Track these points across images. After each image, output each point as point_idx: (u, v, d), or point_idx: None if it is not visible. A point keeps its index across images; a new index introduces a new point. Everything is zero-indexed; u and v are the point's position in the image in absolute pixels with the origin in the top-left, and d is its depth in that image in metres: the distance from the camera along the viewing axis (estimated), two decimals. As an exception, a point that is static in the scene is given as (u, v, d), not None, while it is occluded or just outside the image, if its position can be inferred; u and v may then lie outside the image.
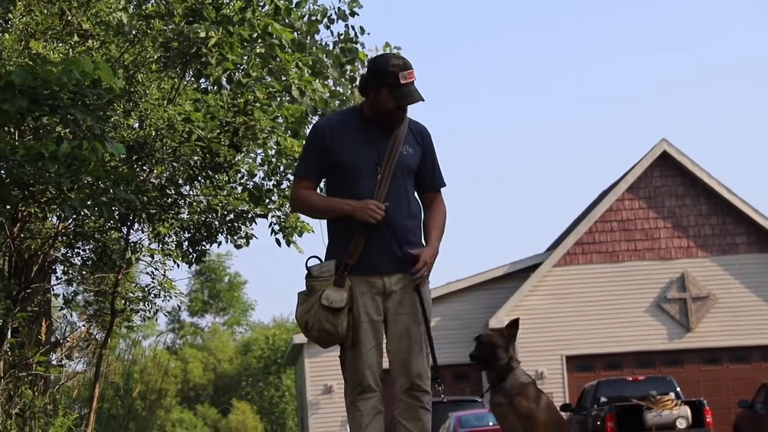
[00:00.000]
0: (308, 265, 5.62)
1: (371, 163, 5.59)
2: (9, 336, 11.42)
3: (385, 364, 5.57)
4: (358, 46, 15.07)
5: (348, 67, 14.95)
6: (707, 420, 20.50)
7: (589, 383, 24.17)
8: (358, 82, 15.53)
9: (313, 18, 14.65)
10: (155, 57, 11.43)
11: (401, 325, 5.61)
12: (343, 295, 5.49)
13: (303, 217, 12.62)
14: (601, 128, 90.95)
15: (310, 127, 6.13)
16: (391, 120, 5.59)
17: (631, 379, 23.24)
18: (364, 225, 5.50)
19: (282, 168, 12.19)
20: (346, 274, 5.53)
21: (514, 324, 6.38)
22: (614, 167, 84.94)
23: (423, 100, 5.55)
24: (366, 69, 5.78)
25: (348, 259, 5.54)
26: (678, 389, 22.02)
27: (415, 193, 5.76)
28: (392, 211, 5.54)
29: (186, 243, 12.42)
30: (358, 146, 5.61)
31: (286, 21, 12.41)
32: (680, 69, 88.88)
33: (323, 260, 5.64)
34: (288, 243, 12.38)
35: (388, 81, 5.53)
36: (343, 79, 14.66)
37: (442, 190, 5.87)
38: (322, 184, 6.04)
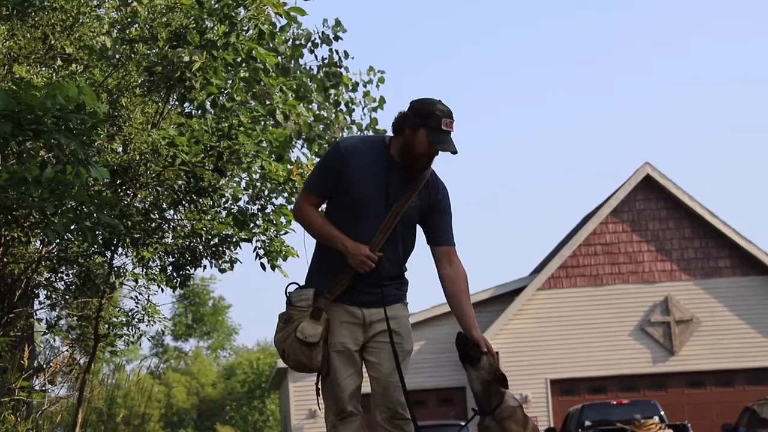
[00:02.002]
0: (288, 291, 5.60)
1: (379, 206, 5.52)
2: (-8, 361, 11.36)
3: (365, 389, 5.54)
4: (342, 70, 15.11)
5: (332, 91, 14.98)
6: (692, 443, 20.50)
7: (573, 407, 24.15)
8: (347, 104, 15.58)
9: (298, 42, 14.68)
10: (139, 81, 11.42)
11: (381, 355, 5.58)
12: (318, 330, 5.46)
13: (288, 242, 12.61)
14: (585, 152, 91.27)
15: (333, 143, 6.05)
16: (417, 163, 5.49)
17: (615, 402, 23.23)
18: (353, 270, 5.48)
19: (266, 192, 12.17)
20: (323, 308, 5.49)
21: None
22: (598, 191, 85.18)
23: (456, 152, 5.46)
24: (409, 107, 5.57)
25: (328, 294, 5.51)
26: (662, 413, 22.01)
27: (412, 239, 5.68)
28: (384, 262, 5.51)
29: (170, 267, 12.39)
30: (373, 183, 5.51)
31: (270, 45, 12.41)
32: (662, 91, 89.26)
33: (304, 284, 5.62)
34: (273, 267, 12.35)
35: (430, 123, 5.42)
36: (327, 103, 14.67)
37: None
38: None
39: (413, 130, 5.45)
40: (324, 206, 5.78)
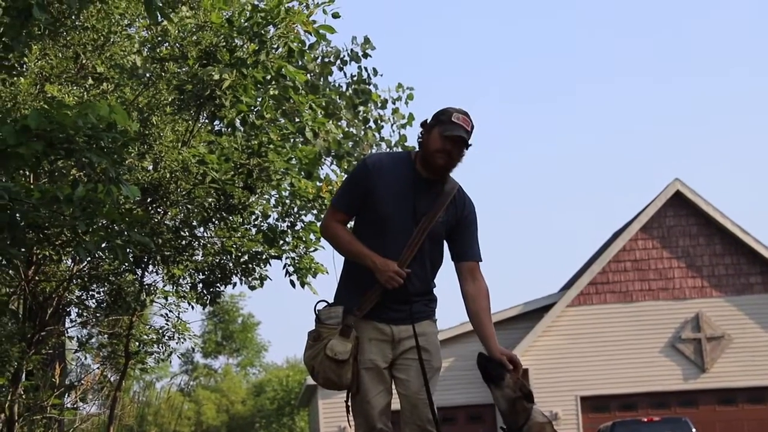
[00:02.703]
0: (317, 309, 5.59)
1: (407, 222, 5.51)
2: (24, 379, 11.41)
3: (395, 406, 5.54)
4: (371, 87, 15.13)
5: (361, 108, 15.00)
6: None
7: (604, 424, 24.02)
8: (377, 121, 15.55)
9: (327, 60, 14.71)
10: (169, 99, 11.47)
11: (409, 372, 5.57)
12: (348, 347, 5.44)
13: (317, 258, 12.61)
14: (615, 168, 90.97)
15: (360, 160, 6.07)
16: (433, 161, 5.47)
17: (646, 420, 23.09)
18: (381, 287, 5.47)
19: (296, 209, 12.19)
20: (352, 325, 5.48)
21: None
22: (628, 207, 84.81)
23: (467, 139, 5.46)
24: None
25: (357, 310, 5.50)
26: (693, 430, 21.86)
27: (440, 255, 5.67)
28: (412, 278, 5.49)
29: (200, 285, 12.43)
30: (400, 198, 5.51)
31: (300, 63, 12.45)
32: (691, 106, 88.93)
33: (333, 302, 5.62)
34: (302, 284, 12.36)
35: (442, 118, 5.48)
36: (356, 120, 14.69)
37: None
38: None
39: (429, 133, 5.50)
40: (351, 223, 5.79)
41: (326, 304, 5.62)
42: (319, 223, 11.73)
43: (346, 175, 12.98)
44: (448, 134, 5.43)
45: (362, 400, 5.53)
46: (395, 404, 5.50)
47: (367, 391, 5.51)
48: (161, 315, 12.82)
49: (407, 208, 5.51)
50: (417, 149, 5.62)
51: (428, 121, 5.55)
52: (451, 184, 5.62)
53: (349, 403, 5.59)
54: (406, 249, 5.49)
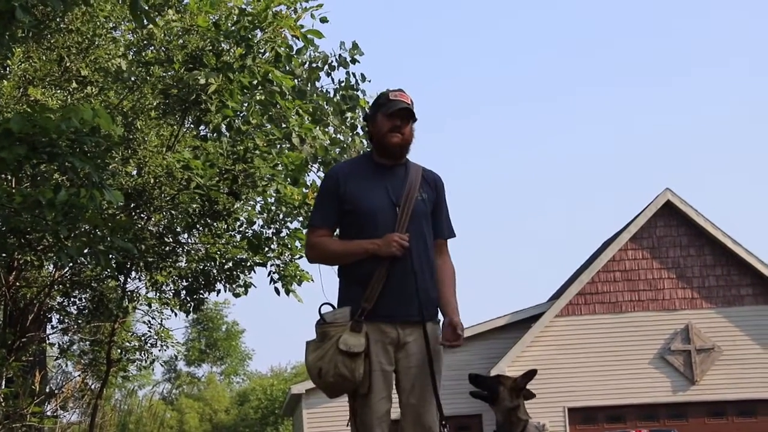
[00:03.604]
0: (321, 311, 5.48)
1: (388, 204, 5.52)
2: (3, 386, 11.26)
3: (395, 414, 5.41)
4: (359, 93, 14.98)
5: (349, 114, 14.85)
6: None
7: (591, 436, 23.93)
8: (364, 128, 15.47)
9: (314, 65, 14.54)
10: (154, 104, 11.35)
11: (414, 377, 5.50)
12: (361, 340, 5.36)
13: (303, 266, 12.48)
14: (605, 177, 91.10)
15: (323, 176, 6.08)
16: (388, 143, 5.54)
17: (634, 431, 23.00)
18: (386, 266, 5.40)
19: (281, 216, 12.08)
20: (362, 319, 5.39)
21: (529, 374, 6.21)
22: (617, 217, 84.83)
23: (411, 108, 5.54)
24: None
25: (365, 302, 5.40)
26: (682, 442, 21.79)
27: (433, 243, 5.65)
28: (414, 255, 5.45)
29: (184, 292, 12.30)
30: (373, 189, 5.54)
31: (287, 68, 12.32)
32: (682, 117, 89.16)
33: (336, 307, 5.51)
34: (287, 292, 12.25)
35: (380, 101, 5.60)
36: (343, 127, 14.53)
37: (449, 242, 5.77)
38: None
39: (374, 121, 5.60)
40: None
41: (330, 307, 5.52)
42: (305, 231, 11.59)
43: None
44: (392, 110, 5.51)
45: (365, 404, 5.43)
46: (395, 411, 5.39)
47: (372, 393, 5.42)
48: (144, 322, 12.71)
49: (382, 197, 5.53)
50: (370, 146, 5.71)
51: (368, 113, 5.68)
52: (414, 166, 5.68)
53: (354, 403, 5.46)
54: (397, 223, 5.47)
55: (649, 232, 29.91)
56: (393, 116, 5.52)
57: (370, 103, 5.80)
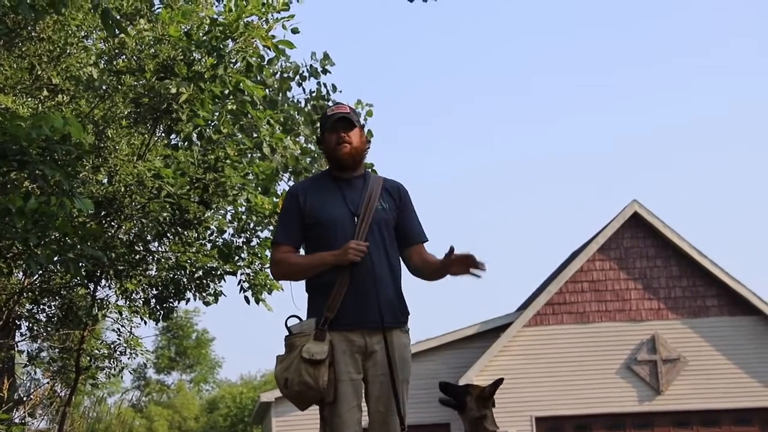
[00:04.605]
0: (288, 324, 5.54)
1: (348, 216, 5.57)
2: (-29, 393, 11.22)
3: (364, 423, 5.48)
4: (330, 103, 15.06)
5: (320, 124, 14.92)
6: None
7: (558, 445, 24.02)
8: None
9: (285, 75, 14.62)
10: (125, 112, 11.37)
11: (381, 386, 5.56)
12: (324, 348, 5.40)
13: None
14: (572, 188, 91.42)
15: (285, 192, 6.13)
16: (337, 155, 5.62)
17: (601, 441, 23.12)
18: (346, 275, 5.45)
19: (252, 225, 12.11)
20: (325, 328, 5.44)
21: (496, 383, 6.27)
22: (585, 228, 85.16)
23: (349, 117, 5.61)
24: None
25: (327, 311, 5.46)
26: (648, 452, 21.89)
27: (396, 251, 5.71)
28: (375, 265, 5.50)
29: (153, 300, 12.31)
30: (332, 202, 5.61)
31: (258, 78, 12.38)
32: (647, 128, 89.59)
33: (303, 319, 5.56)
34: (257, 301, 12.28)
35: (324, 121, 5.71)
36: (314, 137, 14.60)
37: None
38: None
39: (323, 140, 5.71)
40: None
41: (297, 319, 5.57)
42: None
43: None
44: (331, 122, 5.63)
45: (335, 414, 5.46)
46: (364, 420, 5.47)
47: (340, 403, 5.46)
48: (113, 330, 12.69)
49: (341, 208, 5.60)
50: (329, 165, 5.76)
51: (318, 135, 5.83)
52: (374, 177, 5.77)
53: (325, 414, 5.50)
54: (356, 233, 5.52)
55: (616, 243, 30.07)
56: (334, 129, 5.62)
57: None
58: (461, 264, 5.55)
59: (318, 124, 14.39)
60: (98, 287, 12.09)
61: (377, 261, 5.54)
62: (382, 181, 5.75)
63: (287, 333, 5.52)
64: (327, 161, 5.73)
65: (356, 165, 5.69)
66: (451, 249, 5.54)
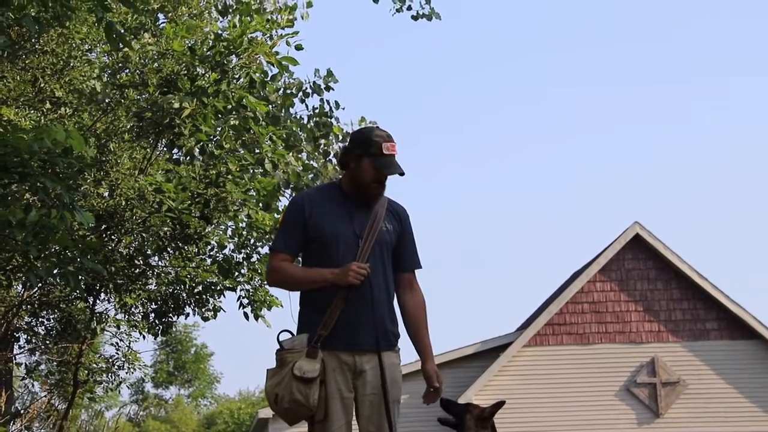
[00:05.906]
0: (279, 338, 5.49)
1: (351, 235, 5.51)
2: (-32, 405, 11.19)
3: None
4: (333, 120, 15.06)
5: (322, 141, 14.92)
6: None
7: (556, 466, 23.93)
8: (337, 155, 15.55)
9: (288, 91, 14.62)
10: (128, 126, 11.36)
11: (371, 405, 5.51)
12: (316, 366, 5.37)
13: (272, 291, 12.50)
14: (575, 209, 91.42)
15: (288, 202, 6.04)
16: (368, 192, 5.52)
17: (598, 463, 23.04)
18: (344, 295, 5.40)
19: (252, 241, 12.09)
20: (318, 346, 5.40)
21: (498, 405, 6.27)
22: (587, 249, 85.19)
23: (403, 174, 5.49)
24: (349, 140, 5.69)
25: (321, 329, 5.42)
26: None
27: (392, 274, 5.66)
28: (374, 286, 5.46)
29: (152, 314, 12.29)
30: (338, 219, 5.53)
31: (261, 94, 12.37)
32: (649, 150, 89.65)
33: (295, 334, 5.51)
34: (256, 317, 12.25)
35: (372, 150, 5.49)
36: (316, 153, 14.60)
37: (417, 272, 5.78)
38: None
39: (357, 162, 5.52)
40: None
41: (289, 334, 5.52)
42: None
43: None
44: (387, 173, 5.49)
45: (325, 431, 5.41)
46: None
47: (331, 421, 5.42)
48: (112, 344, 12.67)
49: (345, 227, 5.52)
50: (341, 172, 5.66)
51: (351, 148, 5.57)
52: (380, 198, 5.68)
53: (313, 431, 5.46)
54: (358, 255, 5.46)
55: (617, 265, 30.02)
56: (382, 168, 5.47)
57: (351, 139, 5.63)
58: (432, 392, 5.70)
59: (319, 138, 14.41)
60: (97, 301, 12.07)
61: (376, 284, 5.49)
62: (387, 202, 5.68)
63: (279, 347, 5.48)
64: (349, 182, 5.60)
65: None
66: (438, 392, 5.72)
